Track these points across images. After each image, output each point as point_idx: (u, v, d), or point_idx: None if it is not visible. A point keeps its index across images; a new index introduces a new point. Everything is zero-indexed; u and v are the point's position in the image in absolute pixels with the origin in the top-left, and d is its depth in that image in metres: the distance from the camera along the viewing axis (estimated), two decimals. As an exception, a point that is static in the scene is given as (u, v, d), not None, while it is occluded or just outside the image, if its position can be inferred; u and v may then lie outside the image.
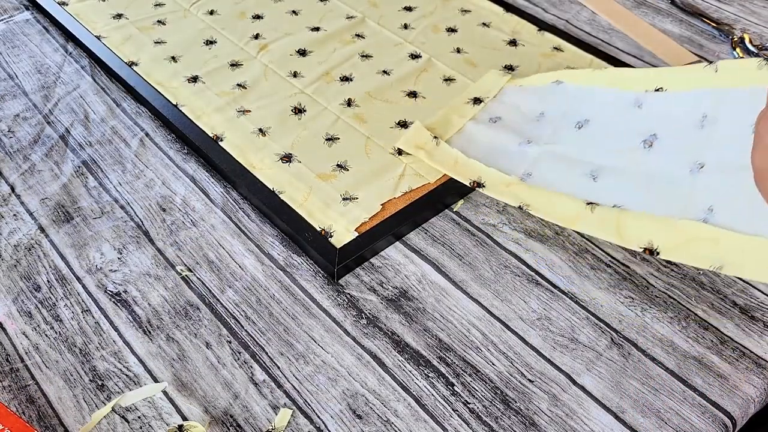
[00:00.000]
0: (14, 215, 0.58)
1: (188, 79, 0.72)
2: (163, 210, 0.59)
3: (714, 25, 0.84)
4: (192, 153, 0.64)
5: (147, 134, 0.66)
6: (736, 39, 0.81)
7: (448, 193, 0.60)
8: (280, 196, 0.59)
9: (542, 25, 0.82)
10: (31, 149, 0.64)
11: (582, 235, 0.58)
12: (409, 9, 0.85)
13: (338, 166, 0.63)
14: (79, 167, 0.62)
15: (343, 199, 0.60)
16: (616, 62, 0.76)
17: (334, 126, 0.67)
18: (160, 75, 0.72)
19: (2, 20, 0.80)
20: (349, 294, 0.53)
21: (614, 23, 0.85)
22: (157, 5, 0.83)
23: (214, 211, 0.59)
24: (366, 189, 0.61)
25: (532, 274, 0.55)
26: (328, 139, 0.66)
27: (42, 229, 0.57)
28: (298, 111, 0.69)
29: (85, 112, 0.68)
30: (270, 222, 0.58)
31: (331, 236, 0.56)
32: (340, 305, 0.52)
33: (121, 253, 0.55)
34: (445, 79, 0.74)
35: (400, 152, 0.64)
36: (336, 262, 0.53)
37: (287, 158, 0.63)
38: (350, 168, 0.63)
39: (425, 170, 0.63)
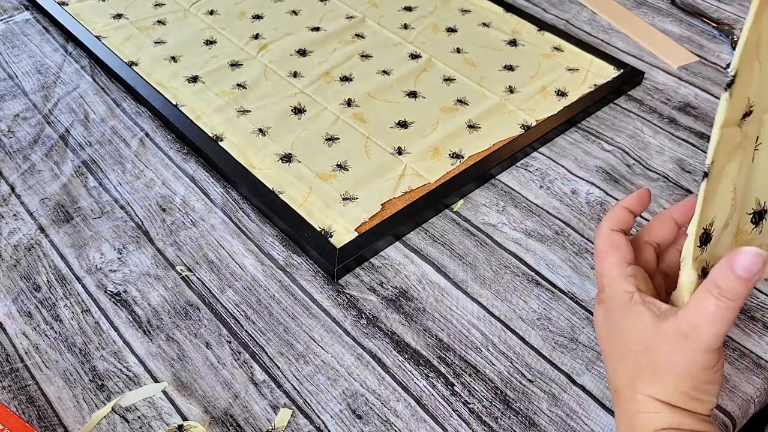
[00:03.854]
0: (14, 215, 0.58)
1: (188, 79, 0.72)
2: (163, 210, 0.59)
3: (714, 25, 0.84)
4: (192, 153, 0.64)
5: (147, 134, 0.66)
6: (736, 39, 0.81)
7: (448, 193, 0.60)
8: (280, 196, 0.59)
9: (542, 25, 0.82)
10: (31, 149, 0.64)
11: (582, 235, 0.58)
12: (409, 9, 0.85)
13: (338, 166, 0.63)
14: (79, 167, 0.62)
15: (343, 199, 0.60)
16: (617, 62, 0.76)
17: (334, 126, 0.67)
18: (160, 75, 0.72)
19: (2, 20, 0.80)
20: (349, 294, 0.53)
21: (614, 23, 0.85)
22: (157, 5, 0.83)
23: (214, 211, 0.59)
24: (366, 189, 0.61)
25: (532, 274, 0.55)
26: (328, 139, 0.66)
27: (42, 229, 0.57)
28: (298, 111, 0.69)
29: (85, 112, 0.68)
30: (270, 222, 0.58)
31: (331, 236, 0.56)
32: (340, 305, 0.52)
33: (121, 253, 0.55)
34: (445, 79, 0.74)
35: (399, 152, 0.64)
36: (336, 262, 0.53)
37: (287, 158, 0.63)
38: (350, 168, 0.63)
39: (425, 170, 0.63)
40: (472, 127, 0.68)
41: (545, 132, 0.66)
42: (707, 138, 0.69)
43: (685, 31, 0.84)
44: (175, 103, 0.68)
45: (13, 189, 0.60)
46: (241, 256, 0.55)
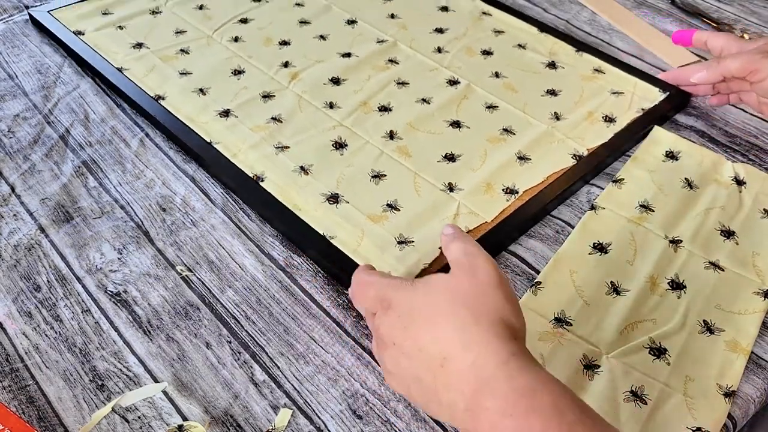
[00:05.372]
0: (14, 215, 0.58)
1: (219, 113, 0.67)
2: (163, 210, 0.59)
3: (714, 25, 0.84)
4: (192, 153, 0.64)
5: (147, 134, 0.66)
6: (736, 39, 0.81)
7: (505, 233, 0.57)
8: (331, 241, 0.55)
9: (580, 46, 0.78)
10: (31, 149, 0.64)
11: (582, 235, 0.58)
12: (440, 31, 0.81)
13: (388, 205, 0.59)
14: (79, 167, 0.62)
15: (398, 242, 0.56)
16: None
17: (378, 161, 0.63)
18: (189, 109, 0.68)
19: (2, 20, 0.80)
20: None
21: (614, 23, 0.85)
22: (178, 32, 0.79)
23: (214, 211, 0.59)
24: (421, 231, 0.56)
25: (533, 273, 0.55)
26: (374, 176, 0.61)
27: (42, 229, 0.57)
28: (339, 146, 0.64)
29: (85, 112, 0.68)
30: (270, 222, 0.58)
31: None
32: (340, 305, 0.52)
33: (121, 253, 0.55)
34: (488, 107, 0.70)
35: (450, 188, 0.60)
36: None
37: (334, 198, 0.59)
38: (401, 207, 0.58)
39: (479, 207, 0.59)
40: (522, 158, 0.64)
41: (598, 162, 0.63)
42: (708, 137, 0.69)
43: (685, 31, 0.84)
44: (209, 141, 0.64)
45: (13, 189, 0.60)
46: (242, 256, 0.55)
